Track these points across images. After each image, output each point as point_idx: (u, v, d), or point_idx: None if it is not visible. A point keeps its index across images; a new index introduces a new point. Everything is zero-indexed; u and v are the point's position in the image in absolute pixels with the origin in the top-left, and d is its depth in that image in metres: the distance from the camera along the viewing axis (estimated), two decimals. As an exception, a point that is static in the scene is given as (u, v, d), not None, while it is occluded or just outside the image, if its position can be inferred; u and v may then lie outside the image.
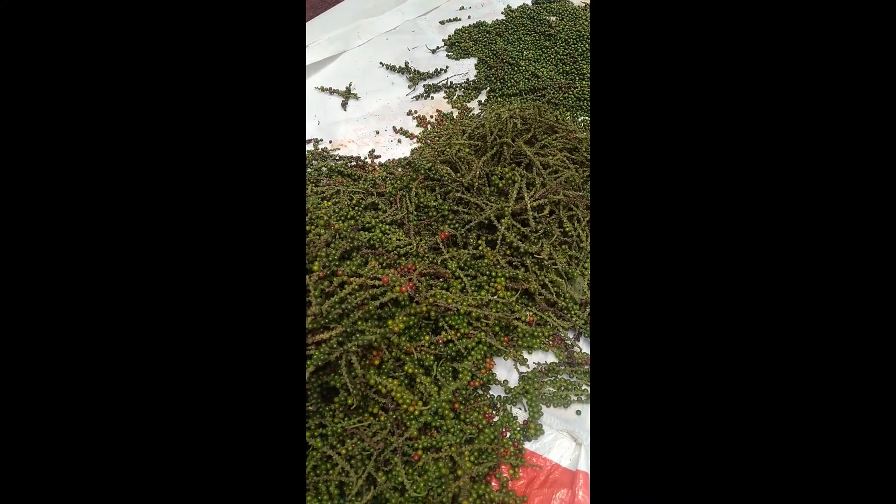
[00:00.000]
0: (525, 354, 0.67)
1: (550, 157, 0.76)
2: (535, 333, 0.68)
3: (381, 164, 0.91)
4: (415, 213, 0.74)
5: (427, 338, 0.63)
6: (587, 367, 0.66)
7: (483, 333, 0.65)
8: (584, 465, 0.57)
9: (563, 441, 0.60)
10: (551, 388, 0.64)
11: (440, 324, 0.64)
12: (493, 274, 0.69)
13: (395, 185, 0.78)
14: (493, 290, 0.69)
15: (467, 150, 0.75)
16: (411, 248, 0.69)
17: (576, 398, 0.63)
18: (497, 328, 0.67)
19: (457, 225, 0.72)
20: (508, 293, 0.69)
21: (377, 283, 0.59)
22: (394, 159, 0.92)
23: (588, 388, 0.64)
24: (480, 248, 0.71)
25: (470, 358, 0.64)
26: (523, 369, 0.66)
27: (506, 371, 0.66)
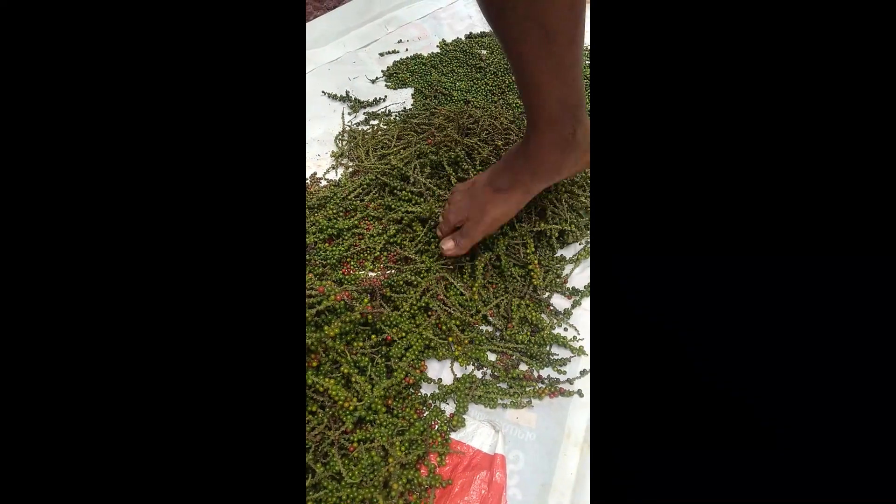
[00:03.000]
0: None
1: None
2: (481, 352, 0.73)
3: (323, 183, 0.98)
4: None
5: (374, 337, 0.69)
6: (525, 382, 0.70)
7: (419, 334, 0.71)
8: (501, 449, 0.64)
9: (485, 430, 0.67)
10: (480, 392, 0.70)
11: (377, 325, 0.71)
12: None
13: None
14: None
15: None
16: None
17: (502, 402, 0.69)
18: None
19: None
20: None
21: (313, 292, 0.65)
22: (334, 178, 0.98)
23: (514, 393, 0.70)
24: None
25: (406, 357, 0.70)
26: (459, 372, 0.72)
27: (438, 370, 0.73)
